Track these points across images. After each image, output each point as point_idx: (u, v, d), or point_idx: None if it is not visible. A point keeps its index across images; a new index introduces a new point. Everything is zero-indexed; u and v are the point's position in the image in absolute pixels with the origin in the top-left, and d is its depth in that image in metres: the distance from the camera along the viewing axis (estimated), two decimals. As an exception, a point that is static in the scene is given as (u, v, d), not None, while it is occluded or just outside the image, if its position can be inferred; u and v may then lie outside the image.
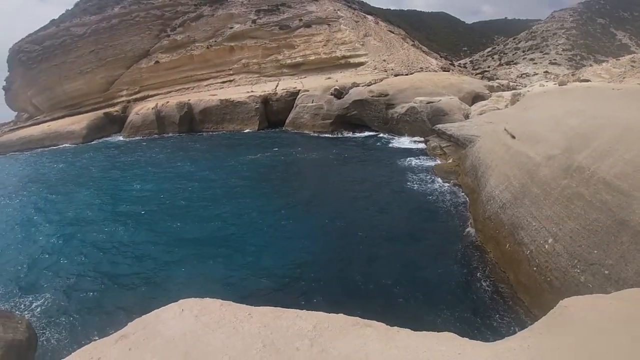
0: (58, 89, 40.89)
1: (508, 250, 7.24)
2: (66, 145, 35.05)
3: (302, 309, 3.13)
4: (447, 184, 12.16)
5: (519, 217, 7.33)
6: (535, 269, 6.26)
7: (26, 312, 7.78)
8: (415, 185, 12.37)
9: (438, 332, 3.03)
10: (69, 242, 11.23)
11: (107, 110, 37.23)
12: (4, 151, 41.15)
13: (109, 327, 6.68)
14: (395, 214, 10.42)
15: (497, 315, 6.11)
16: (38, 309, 7.95)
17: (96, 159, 26.28)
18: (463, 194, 11.16)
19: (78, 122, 36.54)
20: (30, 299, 8.38)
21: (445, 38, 65.42)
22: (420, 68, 38.99)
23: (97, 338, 6.37)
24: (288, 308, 3.17)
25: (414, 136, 20.39)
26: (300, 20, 39.60)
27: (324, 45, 38.90)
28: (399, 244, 8.76)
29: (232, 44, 37.09)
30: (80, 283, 8.66)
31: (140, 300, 7.49)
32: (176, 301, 3.41)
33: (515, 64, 52.11)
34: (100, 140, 34.53)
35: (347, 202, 11.61)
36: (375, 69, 38.86)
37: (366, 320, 2.96)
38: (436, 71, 37.94)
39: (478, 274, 7.25)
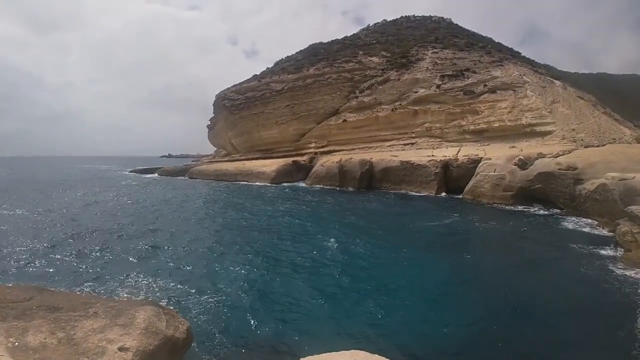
0: (255, 134, 48.67)
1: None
2: (257, 183, 40.08)
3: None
4: (630, 279, 10.19)
5: None
6: None
7: (192, 313, 8.42)
8: (588, 276, 10.69)
9: None
10: (254, 268, 12.07)
11: (295, 158, 42.43)
12: (201, 177, 50.40)
13: (265, 356, 6.82)
14: (560, 305, 9.22)
15: None
16: (203, 316, 8.43)
17: (289, 198, 29.30)
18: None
19: (269, 165, 42.10)
20: (201, 305, 8.97)
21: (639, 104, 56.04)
22: (613, 139, 34.01)
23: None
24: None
25: (602, 217, 17.80)
26: (485, 85, 39.03)
27: (509, 112, 37.21)
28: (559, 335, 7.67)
29: (416, 107, 38.54)
30: (254, 309, 8.99)
31: (306, 338, 7.61)
32: (347, 349, 3.54)
33: None
34: (287, 184, 38.69)
35: (510, 278, 11.12)
36: (564, 138, 35.28)
37: None
38: (630, 143, 32.73)
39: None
